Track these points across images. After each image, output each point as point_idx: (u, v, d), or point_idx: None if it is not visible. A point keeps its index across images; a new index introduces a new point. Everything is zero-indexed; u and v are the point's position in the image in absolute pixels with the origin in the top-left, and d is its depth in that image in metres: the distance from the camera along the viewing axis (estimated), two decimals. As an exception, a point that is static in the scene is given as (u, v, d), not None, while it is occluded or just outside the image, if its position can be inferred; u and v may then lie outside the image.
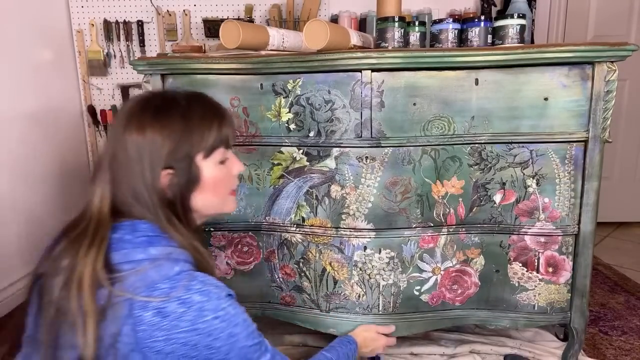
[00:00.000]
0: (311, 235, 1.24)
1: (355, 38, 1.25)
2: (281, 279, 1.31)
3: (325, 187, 1.21)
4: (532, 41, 2.25)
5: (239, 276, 1.31)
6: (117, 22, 2.23)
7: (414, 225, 1.21)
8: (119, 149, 0.77)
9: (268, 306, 1.34)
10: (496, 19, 1.21)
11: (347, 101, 1.15)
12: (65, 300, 0.69)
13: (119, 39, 2.25)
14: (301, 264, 1.27)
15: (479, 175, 1.19)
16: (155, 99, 0.81)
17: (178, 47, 1.80)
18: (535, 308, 1.26)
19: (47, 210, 2.05)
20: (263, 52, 1.21)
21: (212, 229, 1.29)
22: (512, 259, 1.24)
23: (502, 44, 1.18)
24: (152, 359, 0.69)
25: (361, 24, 2.18)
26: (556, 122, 1.14)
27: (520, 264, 1.23)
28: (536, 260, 1.23)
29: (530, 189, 1.19)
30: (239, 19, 2.22)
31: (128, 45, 2.25)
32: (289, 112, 1.19)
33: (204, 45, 1.89)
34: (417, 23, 1.26)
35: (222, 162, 0.85)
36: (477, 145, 1.17)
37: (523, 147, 1.17)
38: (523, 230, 1.21)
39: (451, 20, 1.22)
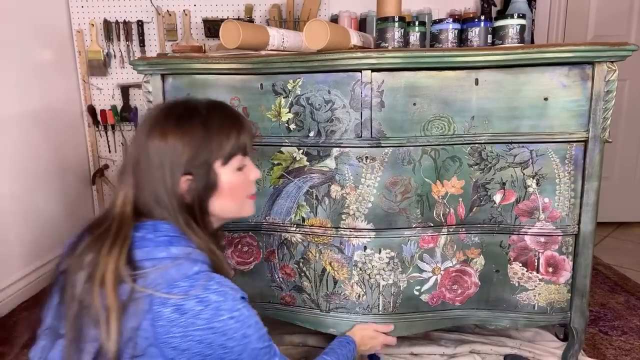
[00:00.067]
0: (311, 235, 1.24)
1: (355, 38, 1.25)
2: (281, 279, 1.31)
3: (325, 187, 1.21)
4: (532, 41, 2.25)
5: (239, 276, 1.31)
6: (117, 22, 2.23)
7: (414, 225, 1.21)
8: (142, 154, 0.81)
9: (268, 306, 1.34)
10: (496, 19, 1.21)
11: (347, 101, 1.15)
12: (88, 295, 0.71)
13: (119, 39, 2.25)
14: (301, 264, 1.27)
15: (479, 175, 1.19)
16: (177, 107, 0.85)
17: (178, 47, 1.80)
18: (535, 308, 1.26)
19: (47, 210, 2.05)
20: (263, 52, 1.21)
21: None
22: (512, 259, 1.24)
23: (502, 44, 1.18)
24: (168, 355, 0.71)
25: (361, 24, 2.18)
26: (556, 122, 1.14)
27: (520, 264, 1.23)
28: (536, 260, 1.23)
29: (530, 189, 1.19)
30: (239, 19, 2.22)
31: (128, 45, 2.25)
32: (289, 112, 1.19)
33: (204, 45, 1.89)
34: (417, 23, 1.26)
35: (239, 169, 0.88)
36: (477, 145, 1.17)
37: (523, 147, 1.17)
38: (523, 230, 1.21)
39: (451, 20, 1.22)
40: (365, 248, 1.21)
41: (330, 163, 1.19)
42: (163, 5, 2.23)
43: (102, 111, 2.30)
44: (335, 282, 1.25)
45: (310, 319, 1.30)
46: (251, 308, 0.79)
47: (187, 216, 0.82)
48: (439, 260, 1.23)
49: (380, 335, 1.24)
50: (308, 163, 1.21)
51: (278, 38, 1.23)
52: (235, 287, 0.78)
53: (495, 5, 2.25)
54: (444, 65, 1.11)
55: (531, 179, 1.18)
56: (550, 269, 1.23)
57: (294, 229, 1.26)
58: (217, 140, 0.83)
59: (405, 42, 1.25)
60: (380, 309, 1.26)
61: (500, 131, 1.16)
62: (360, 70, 1.13)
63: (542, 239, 1.21)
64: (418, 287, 1.25)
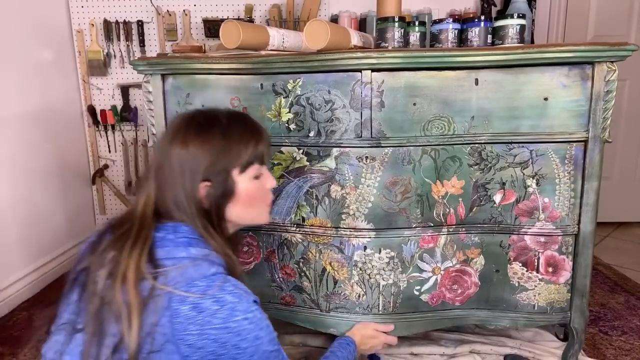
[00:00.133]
0: (311, 235, 1.24)
1: (355, 38, 1.25)
2: (281, 279, 1.31)
3: (325, 187, 1.21)
4: (532, 41, 2.25)
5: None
6: (117, 22, 2.23)
7: (414, 225, 1.21)
8: (164, 160, 0.86)
9: (268, 306, 1.34)
10: (496, 19, 1.21)
11: (347, 101, 1.15)
12: (110, 292, 0.74)
13: (119, 39, 2.25)
14: (301, 264, 1.27)
15: (479, 175, 1.19)
16: (199, 117, 0.89)
17: (178, 47, 1.80)
18: (535, 308, 1.26)
19: (47, 210, 2.05)
20: (263, 52, 1.21)
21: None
22: (512, 258, 1.24)
23: (502, 44, 1.18)
24: (184, 352, 0.73)
25: (361, 24, 2.18)
26: (556, 122, 1.14)
27: (520, 264, 1.23)
28: (536, 260, 1.23)
29: (530, 189, 1.19)
30: (239, 19, 2.22)
31: (128, 45, 2.25)
32: (289, 112, 1.19)
33: (204, 45, 1.89)
34: (417, 23, 1.26)
35: (256, 177, 0.91)
36: (477, 145, 1.17)
37: (523, 147, 1.17)
38: (523, 230, 1.21)
39: (451, 20, 1.22)
40: (365, 248, 1.21)
41: (330, 163, 1.19)
42: (163, 5, 2.23)
43: (102, 111, 2.30)
44: (335, 282, 1.25)
45: (310, 319, 1.30)
46: (263, 312, 0.82)
47: (205, 221, 0.85)
48: (439, 260, 1.23)
49: (380, 334, 1.24)
50: (308, 163, 1.21)
51: (278, 38, 1.23)
52: (248, 291, 0.81)
53: (495, 5, 2.26)
54: (444, 65, 1.11)
55: (531, 179, 1.18)
56: (550, 269, 1.23)
57: (294, 228, 1.26)
58: (236, 149, 0.87)
59: (405, 42, 1.25)
60: (380, 308, 1.26)
61: (500, 131, 1.16)
62: (360, 70, 1.13)
63: (542, 239, 1.21)
64: (418, 287, 1.25)
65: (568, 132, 1.14)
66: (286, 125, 1.20)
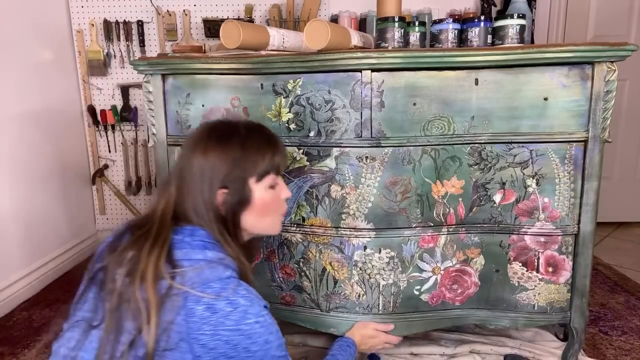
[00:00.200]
0: (311, 235, 1.24)
1: (356, 38, 1.25)
2: (281, 279, 1.31)
3: (326, 187, 1.21)
4: (532, 41, 2.25)
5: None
6: (117, 22, 2.23)
7: (414, 225, 1.21)
8: (185, 167, 0.90)
9: (268, 306, 1.33)
10: (496, 19, 1.21)
11: (347, 101, 1.15)
12: (128, 289, 0.76)
13: (119, 39, 2.25)
14: (301, 264, 1.27)
15: (479, 175, 1.19)
16: (219, 127, 0.94)
17: (178, 47, 1.80)
18: (535, 308, 1.26)
19: (47, 210, 2.05)
20: (263, 52, 1.21)
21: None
22: (512, 258, 1.24)
23: (502, 44, 1.18)
24: (197, 352, 0.75)
25: (361, 24, 2.18)
26: (556, 122, 1.14)
27: (520, 264, 1.23)
28: (536, 260, 1.23)
29: (530, 189, 1.19)
30: (239, 19, 2.22)
31: (128, 45, 2.25)
32: (289, 112, 1.19)
33: (204, 45, 1.89)
34: (417, 23, 1.26)
35: (272, 187, 0.94)
36: (477, 145, 1.17)
37: (523, 147, 1.17)
38: (523, 230, 1.21)
39: (451, 20, 1.22)
40: (365, 248, 1.22)
41: (330, 163, 1.19)
42: (163, 5, 2.23)
43: (102, 111, 2.30)
44: (335, 281, 1.26)
45: (311, 319, 1.31)
46: (272, 317, 0.84)
47: (221, 226, 0.88)
48: (439, 260, 1.23)
49: (380, 334, 1.24)
50: (308, 163, 1.21)
51: (278, 38, 1.24)
52: (259, 296, 0.84)
53: (495, 5, 2.26)
54: (444, 65, 1.12)
55: (531, 178, 1.18)
56: (550, 269, 1.23)
57: (294, 228, 1.26)
58: (253, 159, 0.90)
59: (405, 42, 1.25)
60: (380, 308, 1.26)
61: (500, 131, 1.16)
62: (360, 70, 1.13)
63: (542, 239, 1.21)
64: (418, 287, 1.25)
65: (568, 132, 1.15)
66: (286, 125, 1.20)
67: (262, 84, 1.20)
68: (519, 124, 1.15)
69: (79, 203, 2.31)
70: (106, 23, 2.23)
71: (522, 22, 1.17)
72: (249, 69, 1.19)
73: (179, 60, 1.22)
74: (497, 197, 1.20)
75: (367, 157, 1.17)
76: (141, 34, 2.23)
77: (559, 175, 1.17)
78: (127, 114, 2.31)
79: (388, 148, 1.16)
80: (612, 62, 1.10)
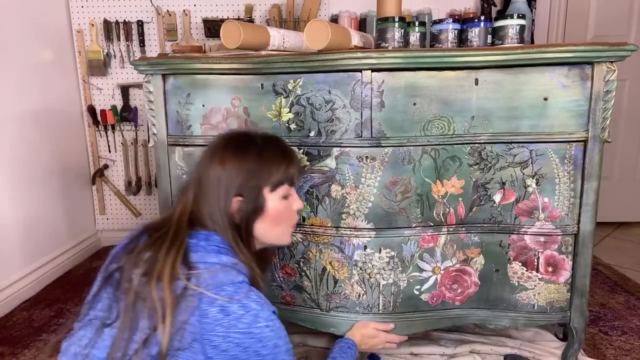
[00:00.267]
0: (311, 235, 1.24)
1: (356, 39, 1.25)
2: (281, 279, 1.31)
3: (326, 187, 1.21)
4: (532, 41, 2.26)
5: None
6: (117, 22, 2.23)
7: (414, 225, 1.21)
8: (203, 175, 0.94)
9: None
10: (496, 19, 1.21)
11: (348, 101, 1.15)
12: (145, 288, 0.78)
13: (119, 39, 2.25)
14: (301, 264, 1.28)
15: (479, 175, 1.19)
16: (237, 138, 0.98)
17: (178, 47, 1.81)
18: (535, 307, 1.26)
19: (47, 210, 2.05)
20: (264, 52, 1.21)
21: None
22: (511, 258, 1.24)
23: (502, 44, 1.19)
24: (208, 353, 0.77)
25: (361, 24, 2.18)
26: (556, 122, 1.14)
27: (520, 264, 1.24)
28: (536, 260, 1.23)
29: (530, 189, 1.19)
30: (239, 19, 2.22)
31: (128, 45, 2.26)
32: (290, 112, 1.19)
33: (204, 45, 1.89)
34: (417, 23, 1.26)
35: (285, 197, 0.98)
36: (477, 145, 1.17)
37: (523, 147, 1.17)
38: (523, 229, 1.21)
39: (451, 20, 1.23)
40: (365, 247, 1.22)
41: (330, 163, 1.19)
42: (163, 5, 2.24)
43: (102, 111, 2.30)
44: (336, 281, 1.26)
45: (311, 319, 1.31)
46: (280, 322, 0.87)
47: (235, 233, 0.92)
48: (439, 259, 1.24)
49: (380, 333, 1.24)
50: (308, 163, 1.21)
51: (279, 38, 1.24)
52: (268, 302, 0.86)
53: (495, 5, 2.26)
54: (444, 65, 1.12)
55: (531, 178, 1.18)
56: (550, 269, 1.23)
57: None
58: (268, 169, 0.94)
59: (406, 42, 1.25)
60: (381, 308, 1.26)
61: (500, 131, 1.16)
62: (360, 70, 1.13)
63: (542, 239, 1.21)
64: (418, 287, 1.25)
65: (568, 132, 1.15)
66: (286, 125, 1.20)
67: (262, 84, 1.20)
68: (519, 124, 1.15)
69: (79, 203, 2.31)
70: (106, 23, 2.23)
71: (522, 22, 1.17)
72: (250, 69, 1.19)
73: (179, 60, 1.22)
74: (497, 197, 1.21)
75: (367, 157, 1.17)
76: (141, 34, 2.23)
77: (558, 175, 1.17)
78: (127, 114, 2.31)
79: (388, 148, 1.16)
80: (611, 62, 1.10)
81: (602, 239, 2.47)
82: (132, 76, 2.28)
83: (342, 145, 1.17)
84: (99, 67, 2.26)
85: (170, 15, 2.23)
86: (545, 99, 1.13)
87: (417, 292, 1.25)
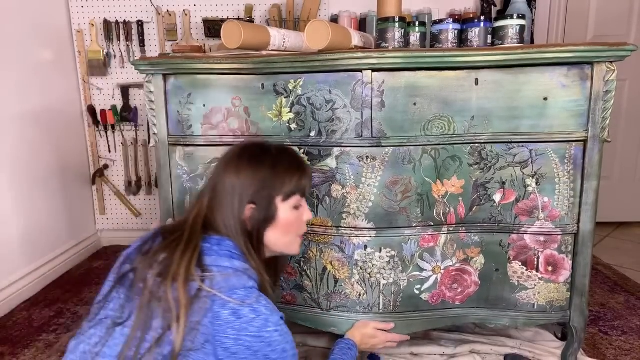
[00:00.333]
0: (312, 235, 1.25)
1: (356, 39, 1.25)
2: (282, 278, 1.31)
3: (326, 187, 1.21)
4: (532, 41, 2.26)
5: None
6: (117, 22, 2.23)
7: (414, 225, 1.21)
8: (218, 182, 0.96)
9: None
10: (496, 19, 1.21)
11: (348, 101, 1.15)
12: (160, 289, 0.80)
13: (119, 39, 2.25)
14: (302, 263, 1.28)
15: (479, 175, 1.20)
16: (252, 148, 1.00)
17: (178, 47, 1.81)
18: (535, 307, 1.26)
19: (47, 210, 2.05)
20: (264, 52, 1.21)
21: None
22: (511, 258, 1.24)
23: (502, 44, 1.19)
24: (219, 355, 0.78)
25: (361, 24, 2.18)
26: (556, 122, 1.15)
27: (520, 263, 1.24)
28: (536, 259, 1.23)
29: (530, 189, 1.19)
30: (239, 19, 2.22)
31: (128, 45, 2.26)
32: (290, 112, 1.20)
33: (204, 45, 1.89)
34: (417, 23, 1.27)
35: (296, 207, 1.00)
36: (477, 144, 1.18)
37: (523, 146, 1.17)
38: (523, 229, 1.22)
39: (451, 20, 1.23)
40: (365, 247, 1.22)
41: (331, 162, 1.19)
42: (163, 5, 2.24)
43: (102, 111, 2.30)
44: (336, 281, 1.26)
45: (311, 318, 1.31)
46: (288, 328, 0.88)
47: (247, 240, 0.94)
48: (439, 259, 1.24)
49: (380, 333, 1.24)
50: (309, 162, 1.21)
51: (279, 38, 1.24)
52: (276, 308, 0.87)
53: (495, 6, 2.26)
54: (444, 65, 1.12)
55: (531, 178, 1.19)
56: (550, 268, 1.23)
57: (294, 228, 1.26)
58: (281, 179, 0.96)
59: (406, 43, 1.26)
60: (381, 307, 1.26)
61: (500, 131, 1.16)
62: (361, 70, 1.13)
63: (542, 238, 1.21)
64: (418, 286, 1.25)
65: (567, 131, 1.15)
66: (287, 125, 1.21)
67: (263, 84, 1.21)
68: (519, 123, 1.16)
69: (79, 203, 2.31)
70: (106, 23, 2.23)
71: (522, 22, 1.18)
72: (250, 69, 1.19)
73: (180, 60, 1.22)
74: (497, 197, 1.21)
75: (367, 157, 1.17)
76: (141, 34, 2.23)
77: (558, 174, 1.18)
78: (127, 114, 2.31)
79: (388, 148, 1.16)
80: (611, 62, 1.10)
81: (602, 239, 2.47)
82: (132, 76, 2.28)
83: (343, 145, 1.18)
84: (99, 67, 2.26)
85: (170, 15, 2.23)
86: (545, 99, 1.14)
87: (417, 292, 1.26)
